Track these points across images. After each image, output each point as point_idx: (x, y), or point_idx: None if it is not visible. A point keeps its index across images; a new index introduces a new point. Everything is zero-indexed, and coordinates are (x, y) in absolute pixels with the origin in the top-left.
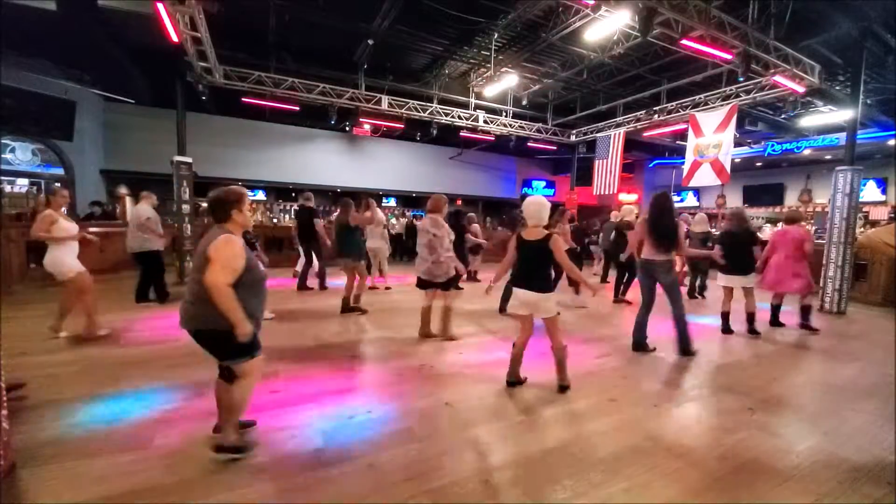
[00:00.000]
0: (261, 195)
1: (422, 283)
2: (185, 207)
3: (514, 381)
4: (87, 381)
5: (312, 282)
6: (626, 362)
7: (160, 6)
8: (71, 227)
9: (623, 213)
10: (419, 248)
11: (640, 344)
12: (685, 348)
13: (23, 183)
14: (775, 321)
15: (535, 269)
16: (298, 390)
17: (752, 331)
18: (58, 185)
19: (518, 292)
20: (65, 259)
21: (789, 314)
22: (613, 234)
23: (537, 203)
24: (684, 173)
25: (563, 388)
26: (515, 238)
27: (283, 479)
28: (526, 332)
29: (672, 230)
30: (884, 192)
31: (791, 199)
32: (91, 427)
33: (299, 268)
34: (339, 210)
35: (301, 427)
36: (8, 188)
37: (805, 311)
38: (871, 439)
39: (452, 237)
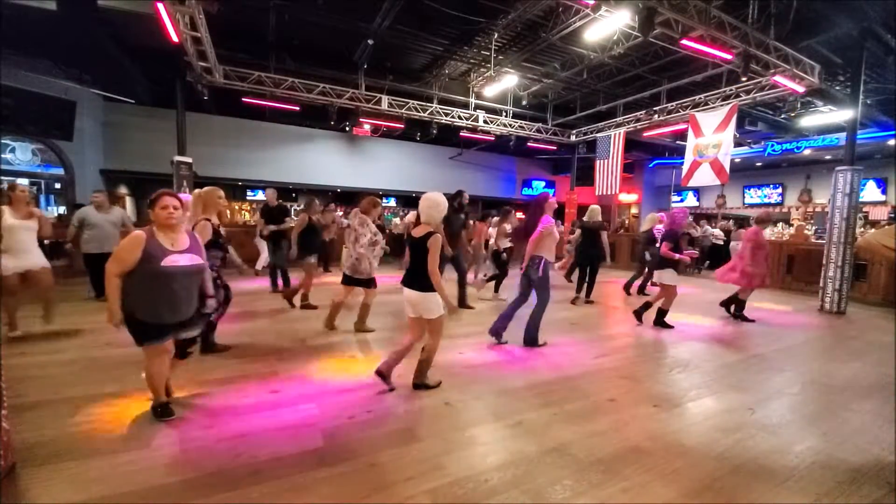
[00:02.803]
0: (261, 195)
1: (346, 279)
2: None
3: (383, 376)
4: (86, 380)
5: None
6: (626, 362)
7: (160, 6)
8: (14, 227)
9: (646, 221)
10: (347, 244)
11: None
12: (528, 339)
13: (23, 183)
14: (738, 313)
15: (417, 268)
16: (298, 390)
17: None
18: (20, 181)
19: (404, 291)
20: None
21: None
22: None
23: (428, 200)
24: (684, 173)
25: (417, 385)
26: (406, 235)
27: (283, 479)
28: (413, 334)
29: (530, 229)
30: (884, 192)
31: (791, 199)
32: (91, 427)
33: (260, 266)
34: (303, 208)
35: (301, 427)
36: None
37: (739, 304)
38: (870, 439)
39: (370, 237)
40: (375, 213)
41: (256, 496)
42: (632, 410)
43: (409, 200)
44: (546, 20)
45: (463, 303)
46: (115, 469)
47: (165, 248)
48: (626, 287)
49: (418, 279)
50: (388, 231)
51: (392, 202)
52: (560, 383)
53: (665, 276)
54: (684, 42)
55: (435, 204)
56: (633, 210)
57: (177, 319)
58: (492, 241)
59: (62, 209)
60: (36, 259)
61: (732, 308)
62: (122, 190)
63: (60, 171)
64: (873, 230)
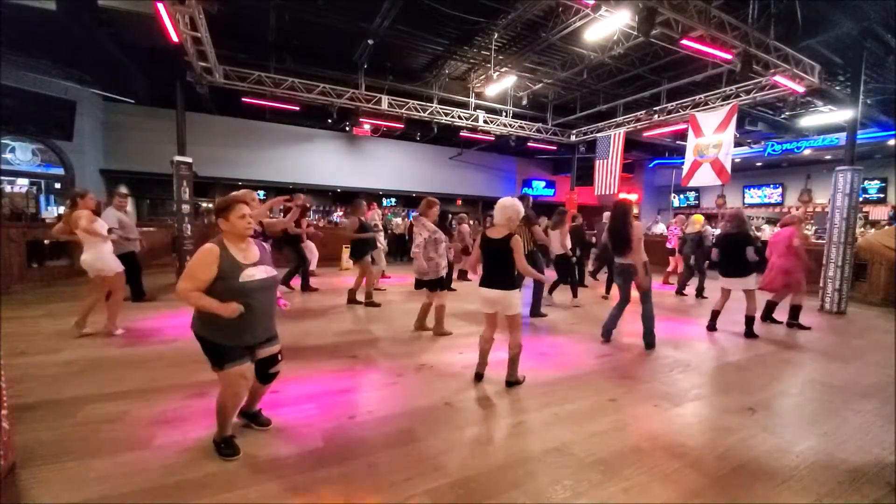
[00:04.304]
0: (261, 195)
1: (416, 283)
2: (185, 207)
3: (481, 375)
4: (86, 381)
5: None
6: (627, 362)
7: (160, 6)
8: (105, 227)
9: (692, 223)
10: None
11: (607, 333)
12: (649, 342)
13: (23, 183)
14: (768, 316)
15: (498, 268)
16: (298, 390)
17: (749, 334)
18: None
19: (482, 291)
20: (104, 258)
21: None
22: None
23: (502, 204)
24: (684, 173)
25: (510, 383)
26: (480, 237)
27: (283, 479)
28: (491, 327)
29: (624, 236)
30: (884, 192)
31: (791, 199)
32: (91, 427)
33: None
34: (352, 210)
35: (301, 427)
36: (8, 188)
37: (793, 311)
38: (870, 439)
39: (426, 236)
40: (433, 214)
41: (256, 496)
42: (632, 410)
43: (409, 200)
44: (546, 20)
45: (537, 311)
46: (115, 469)
47: (240, 262)
48: (679, 290)
49: (499, 278)
50: (389, 231)
51: (392, 202)
52: (561, 383)
53: (751, 282)
54: (684, 42)
55: (511, 205)
56: (634, 210)
57: (258, 339)
58: (553, 246)
59: (62, 209)
60: None
61: (777, 316)
62: (122, 190)
63: (60, 171)
64: (873, 230)
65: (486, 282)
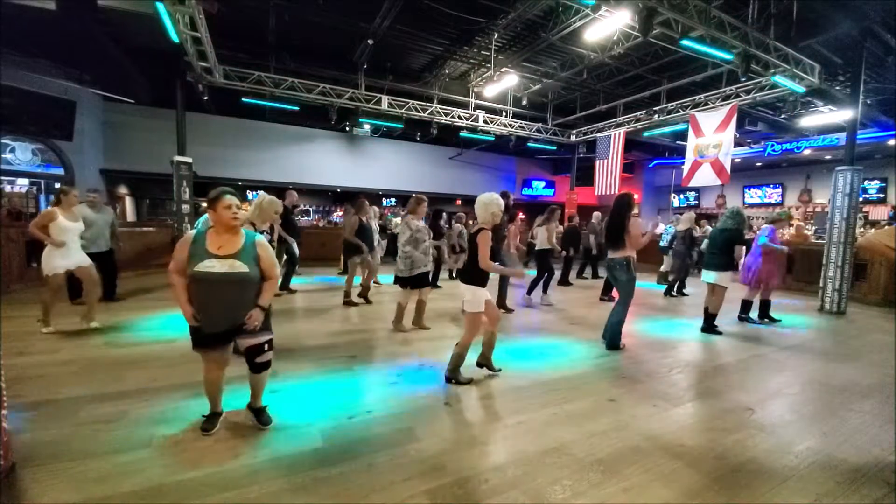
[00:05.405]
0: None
1: (396, 279)
2: (185, 207)
3: (483, 365)
4: (86, 380)
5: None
6: (626, 362)
7: (160, 6)
8: (68, 229)
9: (683, 220)
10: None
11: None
12: (612, 343)
13: (23, 183)
14: (765, 315)
15: (469, 262)
16: (298, 390)
17: (708, 329)
18: (68, 186)
19: (459, 285)
20: (48, 257)
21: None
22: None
23: (482, 201)
24: (684, 173)
25: (447, 378)
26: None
27: (283, 478)
28: (488, 320)
29: (621, 230)
30: (884, 192)
31: (791, 199)
32: (91, 427)
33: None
34: (355, 209)
35: (301, 427)
36: (8, 188)
37: (743, 305)
38: (870, 439)
39: (409, 235)
40: (421, 210)
41: (256, 496)
42: (632, 410)
43: (408, 200)
44: (546, 20)
45: (502, 304)
46: (114, 469)
47: (204, 252)
48: (672, 290)
49: (467, 273)
50: (388, 231)
51: (392, 202)
52: (560, 383)
53: (721, 278)
54: (684, 42)
55: (482, 203)
56: (634, 207)
57: (216, 329)
58: (538, 241)
59: None
60: (81, 257)
61: (764, 313)
62: (123, 190)
63: (60, 171)
64: (873, 230)
65: (458, 274)
